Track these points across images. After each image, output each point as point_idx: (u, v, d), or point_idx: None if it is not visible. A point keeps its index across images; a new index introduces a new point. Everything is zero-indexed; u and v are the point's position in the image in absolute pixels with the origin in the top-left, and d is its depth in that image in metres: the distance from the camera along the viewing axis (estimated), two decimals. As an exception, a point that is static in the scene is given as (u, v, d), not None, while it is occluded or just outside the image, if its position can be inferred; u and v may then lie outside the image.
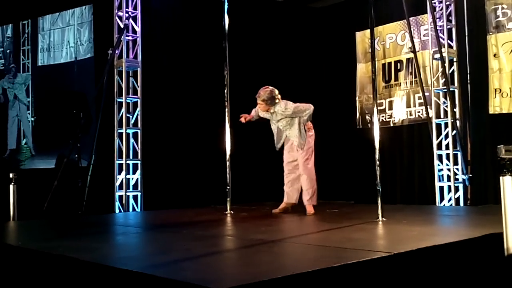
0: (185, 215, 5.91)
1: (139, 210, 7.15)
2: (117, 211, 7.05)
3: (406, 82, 8.21)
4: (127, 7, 7.31)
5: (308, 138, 5.59)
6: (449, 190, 7.29)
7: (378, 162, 4.87)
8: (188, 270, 2.66)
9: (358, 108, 8.78)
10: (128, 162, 7.15)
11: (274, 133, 5.81)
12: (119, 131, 7.19)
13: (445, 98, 7.44)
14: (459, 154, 7.23)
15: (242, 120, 5.85)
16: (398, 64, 8.34)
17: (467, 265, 3.36)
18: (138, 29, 7.38)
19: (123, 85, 7.19)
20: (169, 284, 2.34)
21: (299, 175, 5.65)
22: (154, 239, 4.23)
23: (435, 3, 7.55)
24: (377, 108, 5.14)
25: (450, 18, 7.54)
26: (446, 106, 7.42)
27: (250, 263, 2.88)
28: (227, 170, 6.18)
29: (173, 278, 2.38)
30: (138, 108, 7.32)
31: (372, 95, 5.33)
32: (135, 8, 7.38)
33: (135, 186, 7.22)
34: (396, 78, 8.35)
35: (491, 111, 7.23)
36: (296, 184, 5.70)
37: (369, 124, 8.42)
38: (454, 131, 7.30)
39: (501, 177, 3.33)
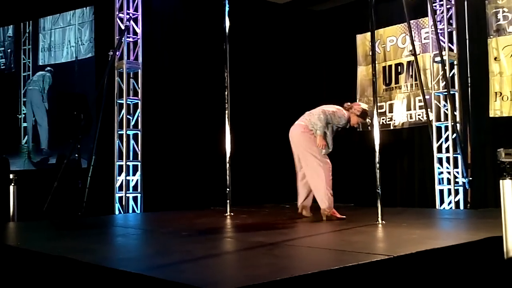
0: (185, 217, 5.91)
1: (139, 211, 7.15)
2: (117, 212, 7.06)
3: (407, 85, 8.22)
4: (128, 8, 7.32)
5: None
6: (449, 193, 7.29)
7: (378, 165, 4.88)
8: (188, 272, 2.66)
9: (359, 111, 8.77)
10: (128, 163, 7.15)
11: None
12: (119, 132, 7.20)
13: (446, 101, 7.45)
14: (459, 157, 7.23)
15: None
16: (399, 67, 8.35)
17: (467, 268, 3.36)
18: (139, 30, 7.39)
19: (124, 87, 7.20)
20: (168, 286, 2.34)
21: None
22: (153, 241, 4.23)
23: (435, 6, 7.56)
24: (377, 111, 5.15)
25: (450, 21, 7.55)
26: (447, 109, 7.43)
27: (250, 265, 2.88)
28: (227, 172, 6.18)
29: (172, 280, 2.38)
30: (139, 110, 7.33)
31: (373, 98, 5.34)
32: (136, 9, 7.39)
33: (135, 188, 7.22)
34: (397, 81, 8.36)
35: (491, 114, 7.23)
36: None
37: (369, 127, 8.42)
38: (454, 134, 7.30)
39: (501, 181, 3.33)
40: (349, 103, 5.59)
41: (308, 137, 5.37)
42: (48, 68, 8.96)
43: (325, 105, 5.58)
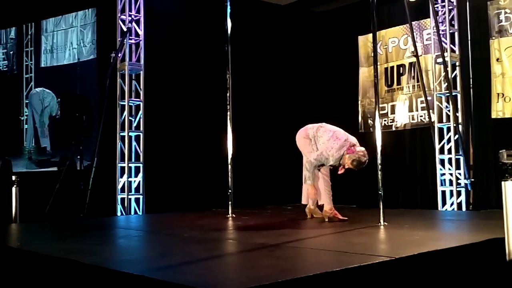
0: (187, 219, 5.91)
1: (140, 213, 7.15)
2: (119, 214, 7.06)
3: (409, 86, 8.21)
4: (130, 10, 7.32)
5: None
6: (451, 195, 7.28)
7: (380, 167, 4.87)
8: (189, 274, 2.66)
9: (361, 112, 8.78)
10: (130, 165, 7.15)
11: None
12: (121, 134, 7.20)
13: (448, 102, 7.44)
14: (461, 158, 7.22)
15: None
16: (401, 68, 8.34)
17: (469, 270, 3.35)
18: (141, 32, 7.40)
19: (126, 88, 7.21)
20: (170, 288, 2.34)
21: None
22: (155, 242, 4.23)
23: (437, 7, 7.55)
24: (379, 112, 5.15)
25: (452, 22, 7.54)
26: (449, 111, 7.42)
27: (251, 267, 2.87)
28: (229, 173, 6.17)
29: (174, 281, 2.38)
30: (141, 111, 7.33)
31: (375, 99, 5.34)
32: (138, 11, 7.40)
33: (137, 189, 7.23)
34: (399, 82, 8.35)
35: (493, 116, 7.23)
36: None
37: (371, 128, 8.41)
38: (457, 136, 7.29)
39: (503, 182, 3.32)
40: (357, 144, 5.15)
41: (307, 143, 5.42)
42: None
43: (326, 124, 5.45)
